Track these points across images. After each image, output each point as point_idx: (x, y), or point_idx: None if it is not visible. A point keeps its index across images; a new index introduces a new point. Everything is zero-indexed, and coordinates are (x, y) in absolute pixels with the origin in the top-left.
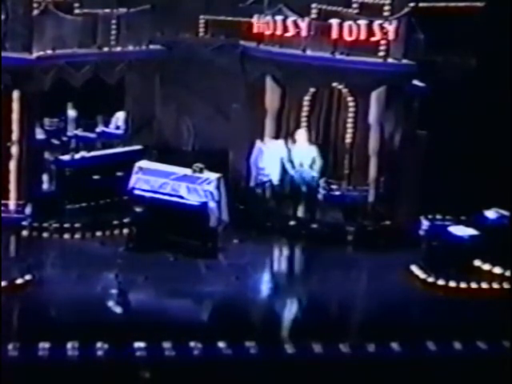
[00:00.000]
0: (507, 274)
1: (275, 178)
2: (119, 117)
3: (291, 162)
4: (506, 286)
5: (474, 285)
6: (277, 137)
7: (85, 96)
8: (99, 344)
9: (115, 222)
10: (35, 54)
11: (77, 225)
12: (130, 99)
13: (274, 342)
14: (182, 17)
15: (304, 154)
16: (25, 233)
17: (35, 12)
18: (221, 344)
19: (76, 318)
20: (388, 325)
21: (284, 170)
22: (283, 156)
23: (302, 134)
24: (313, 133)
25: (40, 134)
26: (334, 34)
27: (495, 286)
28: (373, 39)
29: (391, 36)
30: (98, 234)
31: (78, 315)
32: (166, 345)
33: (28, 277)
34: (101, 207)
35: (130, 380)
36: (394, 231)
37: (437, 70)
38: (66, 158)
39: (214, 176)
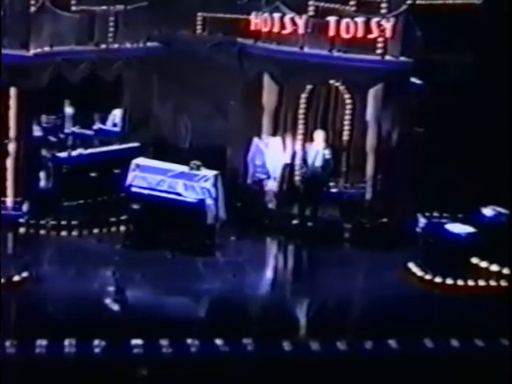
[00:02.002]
0: (504, 271)
1: (277, 174)
2: (116, 114)
3: (304, 160)
4: (503, 283)
5: (471, 282)
6: (274, 134)
7: (82, 93)
8: (96, 341)
9: (112, 219)
10: (32, 51)
11: (74, 222)
12: (128, 96)
13: (272, 339)
14: (179, 14)
15: (318, 155)
16: (22, 230)
17: (32, 9)
18: (218, 341)
19: (73, 315)
20: (385, 322)
21: (290, 168)
22: (295, 154)
23: (319, 135)
24: (310, 130)
25: (37, 131)
26: (332, 32)
27: (492, 283)
28: (370, 36)
29: (389, 33)
30: (95, 231)
31: (76, 312)
32: (164, 342)
33: (25, 274)
34: (98, 204)
35: (127, 377)
36: (392, 229)
37: (434, 67)
38: (64, 155)
39: (211, 173)
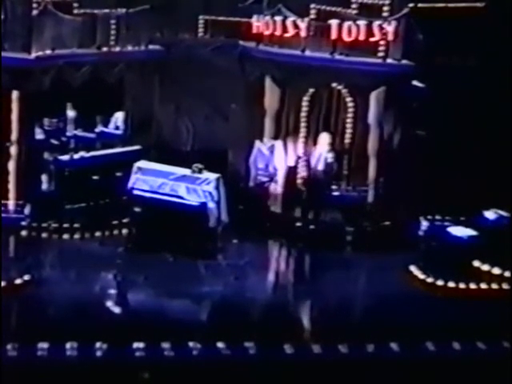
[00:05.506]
0: (506, 274)
1: (279, 177)
2: (118, 117)
3: (307, 163)
4: (505, 286)
5: (473, 285)
6: (276, 137)
7: (84, 96)
8: (98, 344)
9: (114, 222)
10: (34, 55)
11: (76, 225)
12: (129, 99)
13: (273, 342)
14: (181, 17)
15: (321, 157)
16: (24, 233)
17: (34, 12)
18: (220, 344)
19: (75, 319)
20: (387, 325)
21: (293, 171)
22: (297, 157)
23: (324, 138)
24: (312, 133)
25: (39, 134)
26: (334, 35)
27: (494, 286)
28: (372, 40)
29: (390, 36)
30: (97, 234)
31: (77, 315)
32: (165, 345)
33: (27, 277)
34: (100, 207)
35: (129, 380)
36: (394, 232)
37: (436, 70)
38: (66, 158)
39: (213, 176)
